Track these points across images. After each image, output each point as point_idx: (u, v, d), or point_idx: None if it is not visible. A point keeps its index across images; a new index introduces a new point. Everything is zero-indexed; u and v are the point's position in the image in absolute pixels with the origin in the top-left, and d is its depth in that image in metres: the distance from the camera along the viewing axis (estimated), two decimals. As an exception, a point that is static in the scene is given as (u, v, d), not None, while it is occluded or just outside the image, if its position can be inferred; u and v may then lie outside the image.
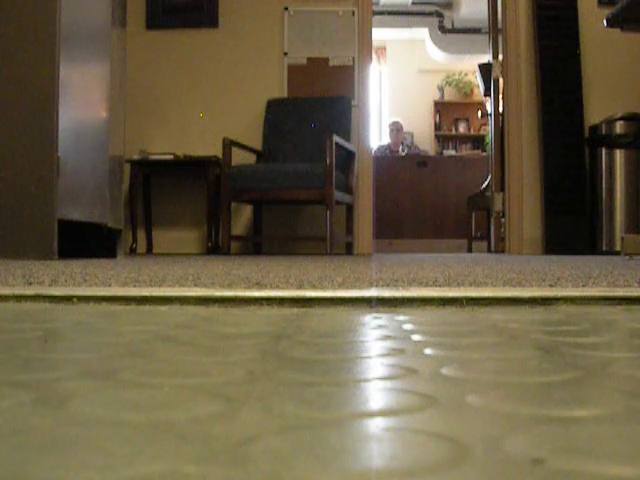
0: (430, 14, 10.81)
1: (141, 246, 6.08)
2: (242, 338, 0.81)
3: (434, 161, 9.44)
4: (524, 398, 0.50)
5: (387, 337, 0.82)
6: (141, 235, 6.07)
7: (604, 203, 5.72)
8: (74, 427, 0.42)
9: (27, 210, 3.25)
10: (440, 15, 10.82)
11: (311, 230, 6.07)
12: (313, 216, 6.05)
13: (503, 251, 6.16)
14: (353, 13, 6.15)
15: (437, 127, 11.27)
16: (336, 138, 5.23)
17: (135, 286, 1.48)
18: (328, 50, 6.18)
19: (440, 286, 1.48)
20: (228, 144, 5.37)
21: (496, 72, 6.39)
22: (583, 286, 1.46)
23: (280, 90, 6.18)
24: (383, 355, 0.69)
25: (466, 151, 10.90)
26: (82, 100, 3.74)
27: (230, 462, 0.35)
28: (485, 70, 6.57)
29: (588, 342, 0.78)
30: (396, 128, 9.76)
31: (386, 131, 10.14)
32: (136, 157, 5.80)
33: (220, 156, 5.57)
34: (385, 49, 11.31)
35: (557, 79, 5.83)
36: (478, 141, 10.95)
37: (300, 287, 1.45)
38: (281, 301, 1.21)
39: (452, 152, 10.70)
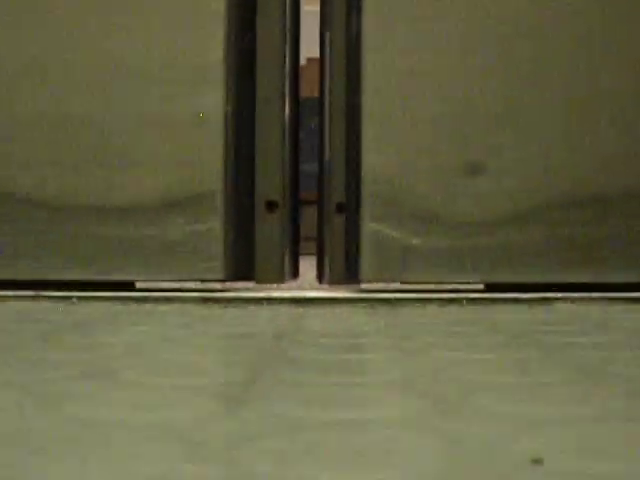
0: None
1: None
2: (242, 338, 0.81)
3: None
4: (524, 398, 0.50)
5: (387, 337, 0.82)
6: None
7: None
8: (74, 427, 0.42)
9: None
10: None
11: (311, 230, 6.06)
12: (313, 216, 6.04)
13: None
14: (353, 13, 6.15)
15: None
16: (336, 138, 5.22)
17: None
18: (328, 50, 6.17)
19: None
20: (228, 144, 5.37)
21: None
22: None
23: (280, 90, 6.18)
24: (383, 355, 0.69)
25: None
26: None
27: (230, 462, 0.35)
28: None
29: (588, 342, 0.78)
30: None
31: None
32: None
33: (220, 156, 5.57)
34: (385, 49, 11.32)
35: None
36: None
37: (300, 287, 1.45)
38: (281, 301, 1.21)
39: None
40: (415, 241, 1.30)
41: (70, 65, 1.32)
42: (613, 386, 0.55)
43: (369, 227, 1.30)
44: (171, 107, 1.32)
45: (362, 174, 1.31)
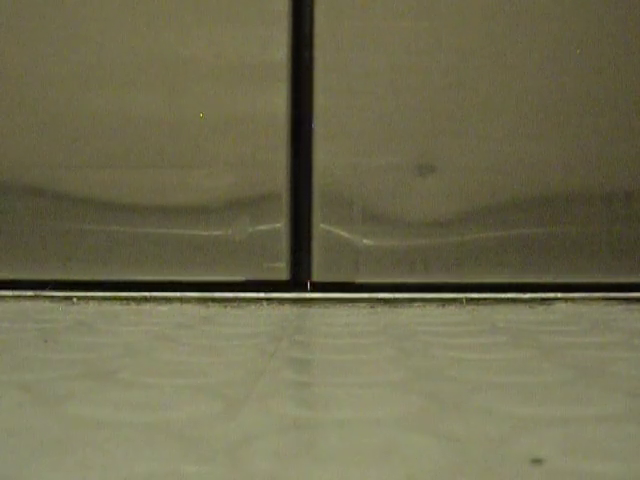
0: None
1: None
2: (242, 338, 0.81)
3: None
4: (524, 398, 0.50)
5: (387, 337, 0.82)
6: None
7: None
8: (74, 427, 0.42)
9: None
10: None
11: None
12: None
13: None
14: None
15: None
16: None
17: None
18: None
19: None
20: (228, 144, 5.37)
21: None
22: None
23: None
24: (383, 355, 0.69)
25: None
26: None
27: (230, 462, 0.35)
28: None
29: (588, 342, 0.78)
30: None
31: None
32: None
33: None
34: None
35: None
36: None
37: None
38: (281, 301, 1.21)
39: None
40: (366, 242, 1.30)
41: (139, 66, 1.31)
42: (613, 386, 0.55)
43: (320, 228, 1.30)
44: (237, 107, 1.31)
45: (313, 174, 1.31)
